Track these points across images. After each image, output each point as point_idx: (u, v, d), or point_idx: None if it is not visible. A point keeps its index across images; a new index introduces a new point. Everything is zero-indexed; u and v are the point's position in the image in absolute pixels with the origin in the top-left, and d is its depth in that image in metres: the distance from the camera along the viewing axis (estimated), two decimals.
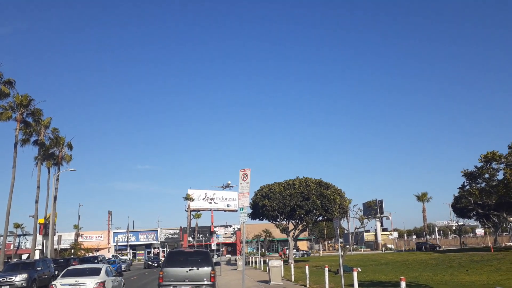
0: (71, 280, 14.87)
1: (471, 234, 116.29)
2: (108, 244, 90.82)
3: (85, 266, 18.03)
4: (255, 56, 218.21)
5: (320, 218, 49.49)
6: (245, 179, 27.41)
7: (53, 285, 14.86)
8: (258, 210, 49.27)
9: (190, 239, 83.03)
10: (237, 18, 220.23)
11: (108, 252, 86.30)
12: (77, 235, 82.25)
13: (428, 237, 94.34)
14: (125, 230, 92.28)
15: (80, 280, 14.85)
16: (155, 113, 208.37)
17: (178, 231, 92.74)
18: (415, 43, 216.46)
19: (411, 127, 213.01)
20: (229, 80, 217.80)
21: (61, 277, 15.46)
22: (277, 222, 49.55)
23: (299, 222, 49.75)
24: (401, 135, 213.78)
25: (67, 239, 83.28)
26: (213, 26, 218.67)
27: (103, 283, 15.05)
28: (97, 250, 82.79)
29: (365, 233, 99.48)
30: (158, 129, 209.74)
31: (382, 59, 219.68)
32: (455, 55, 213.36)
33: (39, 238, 61.20)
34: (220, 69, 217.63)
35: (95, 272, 15.79)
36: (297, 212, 46.15)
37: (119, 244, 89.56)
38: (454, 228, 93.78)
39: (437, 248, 71.06)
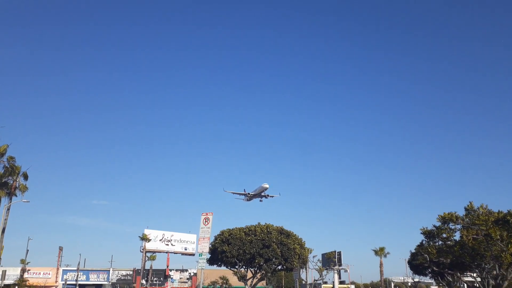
0: None
1: None
2: (56, 282, 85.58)
3: None
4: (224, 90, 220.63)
5: (280, 267, 48.89)
6: (206, 223, 26.92)
7: None
8: (216, 256, 48.19)
9: (143, 282, 79.67)
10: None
11: None
12: (23, 270, 77.22)
13: None
14: (75, 268, 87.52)
15: None
16: (115, 147, 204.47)
17: (131, 272, 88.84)
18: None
19: (372, 183, 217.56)
20: (198, 115, 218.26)
21: None
22: (236, 269, 48.48)
23: (258, 271, 48.88)
24: (361, 188, 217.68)
25: (12, 274, 77.90)
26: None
27: None
28: None
29: (323, 285, 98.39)
30: (118, 163, 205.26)
31: (339, 113, 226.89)
32: (419, 119, 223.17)
33: None
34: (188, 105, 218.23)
35: None
36: (257, 260, 45.44)
37: (67, 283, 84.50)
38: (409, 284, 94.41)
39: None
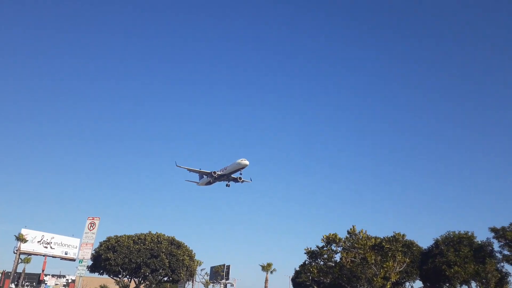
0: None
1: None
2: None
3: None
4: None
5: (166, 278, 47.78)
6: (92, 228, 25.52)
7: None
8: (100, 263, 45.71)
9: (13, 286, 72.58)
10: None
11: None
12: None
13: None
14: None
15: None
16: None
17: None
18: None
19: (264, 199, 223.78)
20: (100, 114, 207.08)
21: None
22: (118, 279, 46.30)
23: (142, 281, 47.26)
24: (253, 205, 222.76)
25: None
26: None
27: None
28: None
29: None
30: None
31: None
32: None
33: None
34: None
35: None
36: (142, 270, 43.93)
37: None
38: None
39: None
